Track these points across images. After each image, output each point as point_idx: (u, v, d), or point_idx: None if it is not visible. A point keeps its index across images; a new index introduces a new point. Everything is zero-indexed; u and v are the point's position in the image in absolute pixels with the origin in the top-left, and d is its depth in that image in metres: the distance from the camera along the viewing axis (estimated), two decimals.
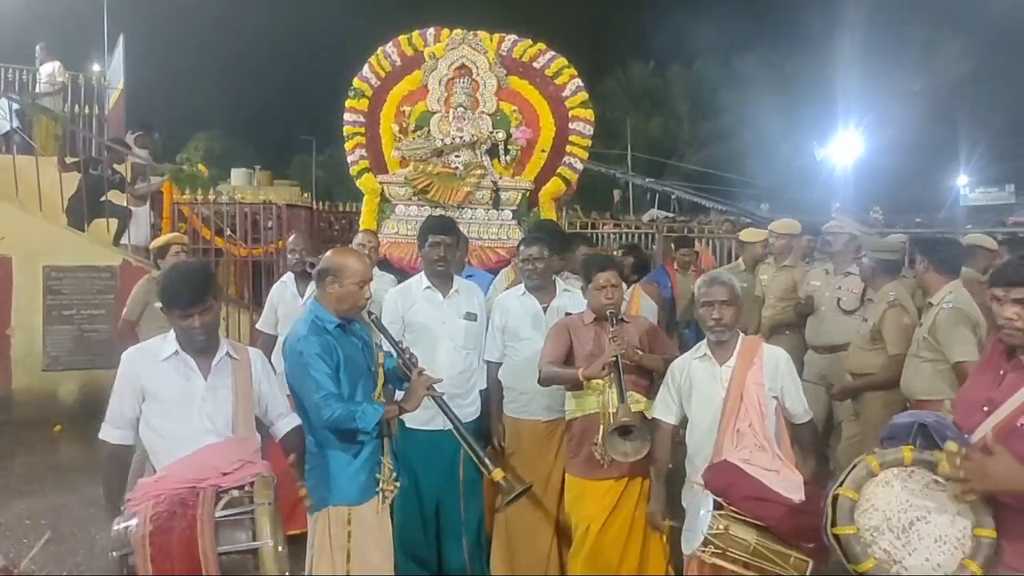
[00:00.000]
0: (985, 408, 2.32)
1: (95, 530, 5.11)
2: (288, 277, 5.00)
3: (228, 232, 8.79)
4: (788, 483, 2.95)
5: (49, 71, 11.41)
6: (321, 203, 11.79)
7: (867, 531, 2.28)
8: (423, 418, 3.91)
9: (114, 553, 2.38)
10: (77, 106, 11.55)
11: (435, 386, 3.26)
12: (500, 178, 5.62)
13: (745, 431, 3.07)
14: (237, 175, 20.69)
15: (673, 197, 21.93)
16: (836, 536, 2.32)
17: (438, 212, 5.23)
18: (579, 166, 5.83)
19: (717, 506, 2.87)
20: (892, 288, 4.35)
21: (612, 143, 30.28)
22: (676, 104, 35.13)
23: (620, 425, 3.21)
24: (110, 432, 2.79)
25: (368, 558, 3.23)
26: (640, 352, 3.56)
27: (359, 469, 3.22)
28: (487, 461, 3.21)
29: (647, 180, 22.50)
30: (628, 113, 32.96)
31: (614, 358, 3.33)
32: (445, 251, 4.09)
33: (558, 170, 5.74)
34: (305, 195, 15.04)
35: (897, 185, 26.11)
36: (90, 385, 8.04)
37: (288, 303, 4.88)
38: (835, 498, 2.35)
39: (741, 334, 3.29)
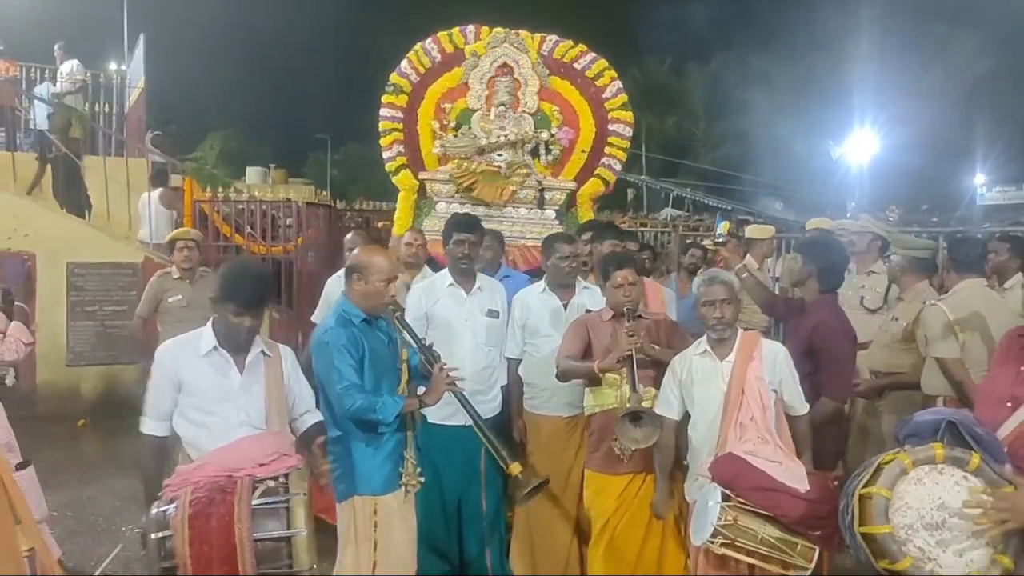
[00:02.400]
0: (1009, 404, 2.36)
1: (120, 521, 5.21)
2: (343, 273, 5.05)
3: (248, 230, 8.88)
4: (792, 474, 3.01)
5: (68, 69, 11.55)
6: (338, 201, 11.91)
7: (901, 529, 2.28)
8: (444, 414, 3.98)
9: (153, 535, 2.43)
10: (98, 104, 11.70)
11: (456, 382, 3.30)
12: (545, 178, 5.65)
13: (748, 424, 3.14)
14: (252, 173, 20.88)
15: (687, 196, 21.96)
16: (863, 535, 2.32)
17: (480, 210, 5.28)
18: (618, 167, 5.86)
19: (725, 498, 2.93)
20: (925, 288, 4.36)
21: None
22: (691, 103, 35.00)
23: (630, 411, 3.27)
24: (150, 425, 2.84)
25: (394, 548, 3.29)
26: (656, 347, 3.60)
27: (384, 460, 3.27)
28: (505, 455, 3.27)
29: (642, 177, 22.52)
30: (643, 112, 32.85)
31: (629, 352, 3.38)
32: (469, 249, 4.14)
33: (597, 171, 5.75)
34: (324, 194, 15.16)
35: (913, 184, 25.92)
36: (113, 380, 8.16)
37: None
38: (862, 496, 2.35)
39: (740, 329, 3.36)
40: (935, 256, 4.64)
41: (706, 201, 22.19)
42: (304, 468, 2.61)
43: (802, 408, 3.33)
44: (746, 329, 5.26)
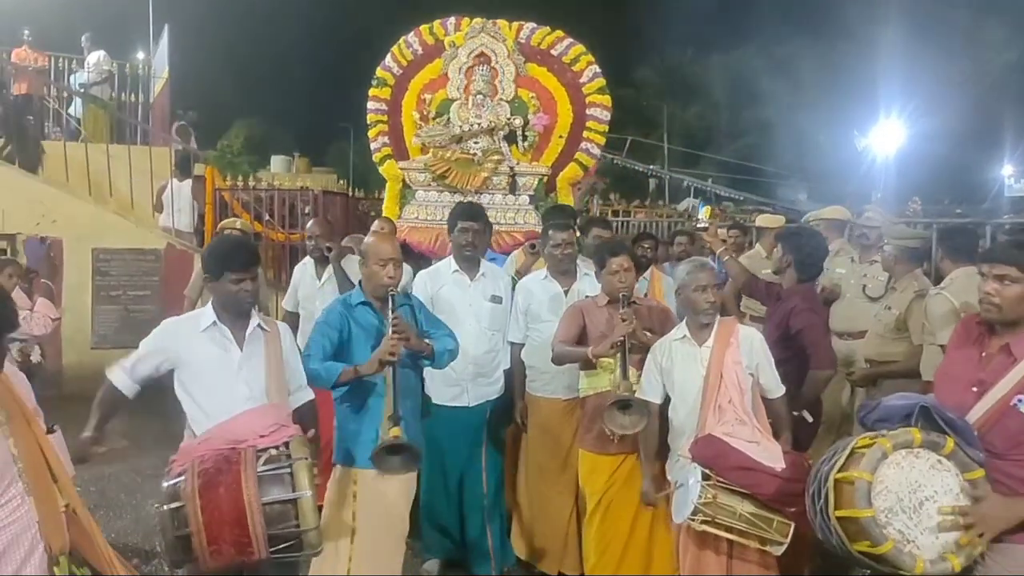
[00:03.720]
0: (975, 389, 2.40)
1: (140, 497, 5.42)
2: (308, 260, 5.21)
3: (267, 217, 9.07)
4: (769, 453, 3.11)
5: (95, 60, 11.79)
6: (356, 189, 12.09)
7: (882, 513, 2.31)
8: (448, 395, 4.14)
9: (165, 506, 2.59)
10: (123, 94, 11.96)
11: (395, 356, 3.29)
12: (517, 164, 5.70)
13: (726, 407, 3.24)
14: (277, 162, 21.14)
15: (709, 187, 21.83)
16: (841, 518, 2.35)
17: (457, 197, 5.38)
18: (596, 151, 5.90)
19: (705, 477, 3.04)
20: (918, 277, 4.42)
21: (648, 132, 30.04)
22: (714, 93, 34.68)
23: (619, 399, 3.39)
24: (118, 375, 2.98)
25: (374, 521, 3.38)
26: (648, 334, 3.69)
27: (363, 434, 3.36)
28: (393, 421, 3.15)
29: (649, 166, 22.49)
30: (665, 102, 32.69)
31: (622, 338, 3.48)
32: (473, 236, 4.26)
33: (575, 155, 5.79)
34: (341, 182, 15.34)
35: (940, 175, 25.59)
36: None
37: (307, 285, 5.12)
38: (838, 481, 2.38)
39: (718, 316, 3.46)
40: (925, 245, 4.71)
41: (726, 192, 22.05)
42: (303, 437, 2.75)
43: (778, 391, 3.42)
44: (753, 316, 5.39)
